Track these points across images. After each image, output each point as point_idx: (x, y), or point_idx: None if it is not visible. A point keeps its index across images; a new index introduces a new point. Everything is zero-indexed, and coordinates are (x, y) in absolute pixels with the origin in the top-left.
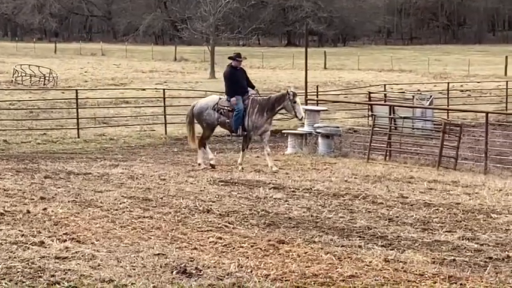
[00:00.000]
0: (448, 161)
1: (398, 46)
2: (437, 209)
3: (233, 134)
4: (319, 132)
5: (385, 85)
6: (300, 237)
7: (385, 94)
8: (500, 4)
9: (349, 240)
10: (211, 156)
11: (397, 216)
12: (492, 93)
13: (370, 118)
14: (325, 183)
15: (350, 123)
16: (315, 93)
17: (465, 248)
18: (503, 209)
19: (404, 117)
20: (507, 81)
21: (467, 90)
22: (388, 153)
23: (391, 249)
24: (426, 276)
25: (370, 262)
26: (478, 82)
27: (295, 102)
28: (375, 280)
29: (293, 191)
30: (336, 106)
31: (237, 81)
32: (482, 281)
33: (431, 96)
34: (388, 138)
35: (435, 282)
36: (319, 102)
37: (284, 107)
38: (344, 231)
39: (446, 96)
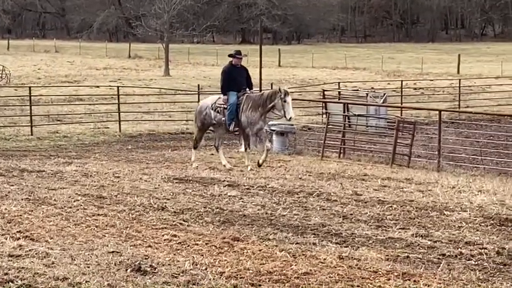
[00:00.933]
0: (401, 158)
1: (353, 44)
2: (391, 206)
3: (228, 131)
4: (273, 130)
5: (339, 83)
6: (255, 235)
7: (339, 92)
8: (453, 3)
9: (304, 237)
10: (193, 158)
11: (351, 214)
12: (445, 91)
13: (324, 116)
14: (279, 181)
15: (304, 121)
16: None
17: (418, 245)
18: (456, 206)
19: (358, 115)
20: (460, 79)
21: (420, 88)
22: (342, 151)
23: (345, 247)
24: (380, 273)
25: (324, 259)
26: (431, 80)
27: (285, 101)
28: (329, 277)
29: (248, 189)
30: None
31: (233, 79)
32: (435, 278)
33: (384, 94)
34: (342, 135)
35: (389, 279)
36: None
37: (274, 105)
38: (298, 228)
39: (399, 94)
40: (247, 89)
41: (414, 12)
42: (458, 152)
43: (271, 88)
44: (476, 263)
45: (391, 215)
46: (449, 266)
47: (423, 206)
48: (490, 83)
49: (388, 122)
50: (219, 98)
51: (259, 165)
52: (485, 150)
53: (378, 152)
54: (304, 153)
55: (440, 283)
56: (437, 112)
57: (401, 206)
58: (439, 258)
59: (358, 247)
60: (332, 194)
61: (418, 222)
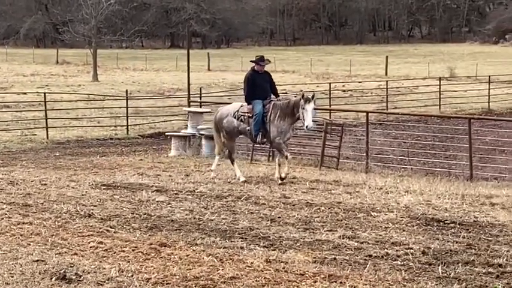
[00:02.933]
0: (330, 160)
1: (282, 47)
2: (318, 209)
3: (255, 142)
4: (202, 134)
5: None
6: (182, 240)
7: None
8: (380, 5)
9: (231, 241)
10: (238, 174)
11: (279, 217)
12: (373, 93)
13: None
14: (208, 185)
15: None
16: (198, 95)
17: (345, 246)
18: (383, 207)
19: None
20: (387, 81)
21: (349, 90)
22: (271, 154)
23: (272, 250)
24: (307, 275)
25: (251, 263)
26: (360, 82)
27: (304, 108)
28: (256, 281)
29: (176, 194)
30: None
31: (257, 85)
32: (361, 279)
33: (313, 96)
34: None
35: (315, 282)
36: (202, 104)
37: (299, 113)
38: (226, 232)
39: (328, 96)
40: (273, 96)
41: (342, 15)
42: (386, 153)
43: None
44: (402, 263)
45: (318, 217)
46: (376, 267)
47: (351, 208)
48: (418, 84)
49: (316, 124)
50: (242, 105)
51: (282, 179)
52: (412, 151)
53: (306, 155)
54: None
55: (366, 284)
56: (365, 114)
57: (329, 208)
58: (365, 259)
59: (286, 250)
60: (260, 197)
61: (346, 224)
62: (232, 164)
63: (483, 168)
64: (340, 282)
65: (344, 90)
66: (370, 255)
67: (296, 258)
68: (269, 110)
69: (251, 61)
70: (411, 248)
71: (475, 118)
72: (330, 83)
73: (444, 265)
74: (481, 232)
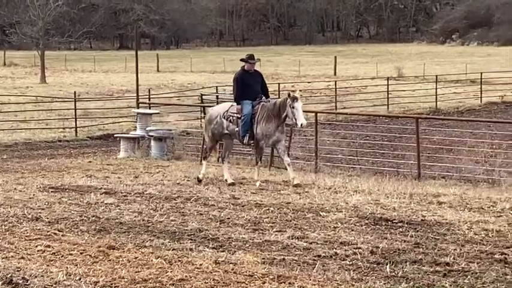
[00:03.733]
0: (279, 160)
1: (231, 48)
2: (268, 209)
3: (242, 143)
4: (151, 136)
5: (217, 87)
6: (131, 242)
7: (217, 96)
8: (328, 5)
9: (180, 243)
10: (204, 170)
11: (229, 218)
12: (322, 93)
13: (203, 120)
14: (157, 187)
15: (183, 126)
16: (147, 96)
17: (295, 247)
18: (332, 207)
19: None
20: (336, 81)
21: (300, 90)
22: (221, 155)
23: (222, 251)
24: (256, 276)
25: (200, 265)
26: (309, 82)
27: (293, 107)
28: (205, 283)
29: (125, 196)
30: (168, 109)
31: (246, 85)
32: (310, 279)
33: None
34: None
35: (264, 283)
36: (151, 105)
37: (287, 113)
38: (175, 234)
39: (277, 97)
40: (263, 97)
41: (291, 15)
42: (335, 153)
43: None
44: (350, 262)
45: (268, 217)
46: (324, 267)
47: (300, 208)
48: (366, 84)
49: None
50: (232, 105)
51: (296, 186)
52: (361, 151)
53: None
54: (183, 158)
55: (315, 284)
56: (314, 114)
57: (278, 209)
58: (314, 260)
59: (235, 251)
60: (210, 198)
61: (295, 224)
62: (201, 161)
63: (431, 167)
64: (289, 283)
65: (293, 91)
66: (319, 256)
67: (245, 259)
68: (257, 111)
69: (241, 60)
70: (360, 248)
71: (423, 117)
72: (279, 84)
73: (392, 264)
74: (429, 231)
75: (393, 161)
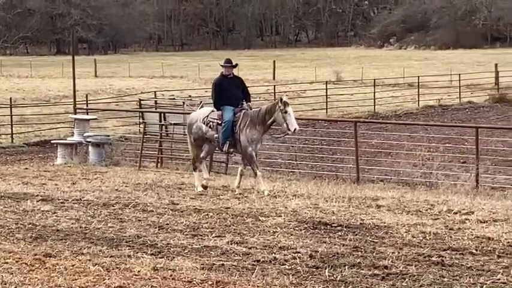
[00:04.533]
0: (219, 165)
1: (170, 52)
2: (207, 215)
3: (221, 151)
4: (89, 142)
5: (155, 92)
6: (68, 250)
7: (155, 101)
8: (267, 10)
9: (118, 250)
10: (206, 175)
11: (167, 224)
12: (261, 98)
13: (141, 125)
14: (95, 193)
15: (121, 131)
16: (85, 102)
17: (234, 252)
18: (271, 212)
19: (175, 124)
20: (275, 85)
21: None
22: (159, 160)
23: (160, 257)
24: (194, 282)
25: (138, 271)
26: (248, 87)
27: (286, 112)
28: None
29: (62, 203)
30: (107, 114)
31: (226, 90)
32: (249, 284)
33: (201, 101)
34: (160, 145)
35: None
36: (89, 110)
37: (275, 119)
38: (113, 241)
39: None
40: (244, 103)
41: (230, 20)
42: (275, 157)
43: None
44: (289, 267)
45: (207, 223)
46: (264, 272)
47: (239, 213)
48: (305, 88)
49: None
50: (212, 111)
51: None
52: (300, 155)
53: None
54: (121, 164)
55: None
56: None
57: (217, 214)
58: (253, 265)
59: (174, 257)
60: (148, 204)
61: (234, 229)
62: (194, 171)
63: (369, 171)
64: None
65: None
66: (258, 260)
67: (184, 265)
68: (239, 119)
69: (220, 65)
70: (299, 252)
71: (361, 121)
72: None
73: (331, 268)
74: (367, 234)
75: (332, 165)
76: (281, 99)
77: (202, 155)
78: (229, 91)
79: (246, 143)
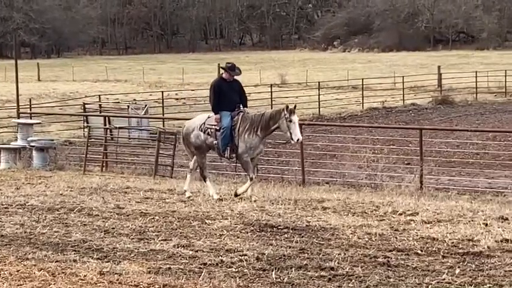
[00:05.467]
0: (164, 169)
1: (114, 56)
2: (153, 218)
3: (223, 157)
4: (33, 146)
5: (99, 96)
6: (13, 255)
7: (100, 105)
8: (211, 13)
9: (64, 255)
10: (212, 191)
11: (113, 228)
12: (206, 101)
13: (85, 129)
14: (40, 198)
15: (66, 135)
16: (28, 106)
17: (180, 255)
18: (218, 215)
19: (120, 127)
20: None
21: (182, 98)
22: (104, 164)
23: (106, 262)
24: (141, 286)
25: (84, 276)
26: (193, 90)
27: (290, 121)
28: None
29: (6, 208)
30: (51, 118)
31: (224, 95)
32: (196, 287)
33: (146, 105)
34: (104, 149)
35: None
36: (32, 115)
37: (279, 126)
38: (59, 246)
39: (161, 105)
40: (242, 107)
41: (174, 23)
42: (221, 161)
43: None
44: (236, 270)
45: (153, 226)
46: (211, 275)
47: (185, 216)
48: (250, 91)
49: (150, 134)
50: (209, 117)
51: (236, 195)
52: None
53: (140, 164)
54: (66, 168)
55: None
56: None
57: (163, 217)
58: (200, 268)
59: (120, 261)
60: (94, 208)
61: (180, 233)
62: (205, 181)
63: (315, 173)
64: None
65: (177, 99)
66: (205, 263)
67: (130, 269)
68: (237, 123)
69: (221, 67)
70: (245, 255)
71: (306, 124)
72: (162, 92)
73: (278, 270)
74: (313, 236)
75: (278, 168)
76: (287, 107)
77: (192, 164)
78: (227, 95)
79: (243, 149)
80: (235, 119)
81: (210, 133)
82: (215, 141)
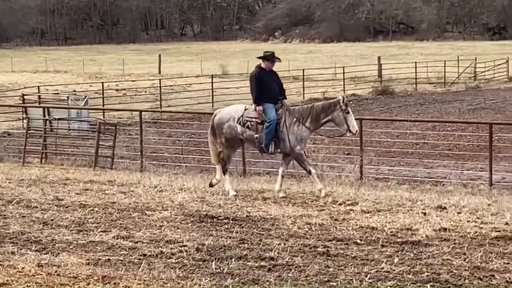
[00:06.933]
0: (104, 160)
1: (53, 47)
2: (92, 210)
3: (264, 152)
4: None
5: (39, 87)
6: None
7: (39, 96)
8: (151, 4)
9: (2, 247)
10: (228, 187)
11: (52, 219)
12: (147, 92)
13: (24, 121)
14: None
15: (4, 127)
16: None
17: (120, 247)
18: (158, 206)
19: (60, 119)
20: (161, 80)
21: (122, 89)
22: (44, 156)
23: (45, 254)
24: (80, 278)
25: (22, 268)
26: (133, 81)
27: (347, 112)
28: (27, 286)
29: None
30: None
31: (266, 86)
32: (135, 279)
33: (86, 96)
34: (44, 140)
35: (89, 284)
36: None
37: (333, 118)
38: None
39: (101, 96)
40: (284, 100)
41: (114, 14)
42: (161, 152)
43: None
44: (176, 261)
45: (92, 218)
46: (150, 266)
47: (125, 208)
48: (191, 82)
49: (90, 125)
50: (246, 109)
51: (279, 191)
52: (187, 149)
53: (80, 155)
54: (4, 160)
55: (140, 284)
56: (139, 112)
57: (103, 209)
58: (140, 259)
59: (59, 253)
60: (32, 200)
61: (120, 224)
62: (224, 175)
63: (256, 164)
64: (114, 283)
65: (117, 90)
66: (145, 255)
67: (69, 261)
68: (282, 116)
69: (258, 57)
70: (185, 246)
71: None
72: (103, 83)
73: (218, 261)
74: (254, 227)
75: None
76: (343, 99)
77: (225, 162)
78: (268, 86)
79: (294, 142)
80: (279, 112)
81: (250, 126)
82: (256, 135)
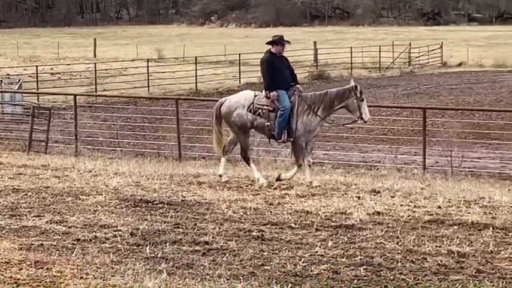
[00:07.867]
0: (38, 145)
1: None
2: (25, 194)
3: (277, 140)
4: None
5: None
6: None
7: None
8: None
9: None
10: (257, 175)
11: None
12: (82, 76)
13: None
14: None
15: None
16: None
17: (53, 231)
18: (92, 190)
19: None
20: (96, 63)
21: (57, 73)
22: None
23: None
24: (12, 263)
25: None
26: (68, 65)
27: (362, 100)
28: None
29: None
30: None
31: (277, 70)
32: (69, 264)
33: (20, 80)
34: None
35: (21, 269)
36: None
37: (347, 105)
38: None
39: (36, 80)
40: (296, 85)
41: None
42: (96, 136)
43: None
44: (110, 245)
45: (26, 203)
46: (84, 251)
47: (59, 192)
48: (127, 66)
49: (24, 109)
50: (257, 96)
51: (278, 180)
52: (122, 133)
53: (14, 140)
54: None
55: (73, 268)
56: (73, 96)
57: (36, 193)
58: (73, 244)
59: None
60: None
61: (54, 209)
62: (249, 164)
63: (191, 148)
64: (47, 268)
65: (52, 73)
66: (79, 239)
67: (1, 246)
68: (295, 103)
69: (267, 42)
70: (120, 230)
71: (183, 99)
72: (37, 66)
73: (152, 245)
74: (189, 211)
75: (154, 143)
76: (357, 86)
77: (227, 146)
78: (280, 72)
79: (300, 132)
80: (292, 99)
81: (261, 114)
82: (267, 123)
